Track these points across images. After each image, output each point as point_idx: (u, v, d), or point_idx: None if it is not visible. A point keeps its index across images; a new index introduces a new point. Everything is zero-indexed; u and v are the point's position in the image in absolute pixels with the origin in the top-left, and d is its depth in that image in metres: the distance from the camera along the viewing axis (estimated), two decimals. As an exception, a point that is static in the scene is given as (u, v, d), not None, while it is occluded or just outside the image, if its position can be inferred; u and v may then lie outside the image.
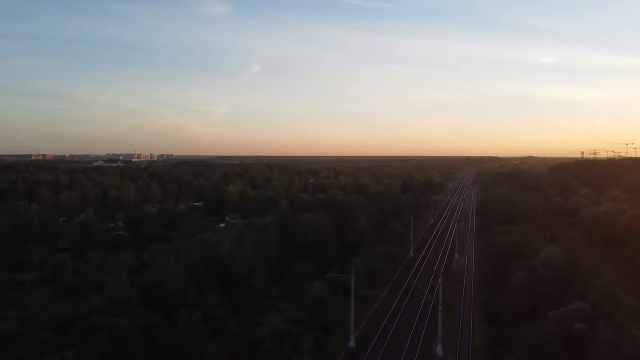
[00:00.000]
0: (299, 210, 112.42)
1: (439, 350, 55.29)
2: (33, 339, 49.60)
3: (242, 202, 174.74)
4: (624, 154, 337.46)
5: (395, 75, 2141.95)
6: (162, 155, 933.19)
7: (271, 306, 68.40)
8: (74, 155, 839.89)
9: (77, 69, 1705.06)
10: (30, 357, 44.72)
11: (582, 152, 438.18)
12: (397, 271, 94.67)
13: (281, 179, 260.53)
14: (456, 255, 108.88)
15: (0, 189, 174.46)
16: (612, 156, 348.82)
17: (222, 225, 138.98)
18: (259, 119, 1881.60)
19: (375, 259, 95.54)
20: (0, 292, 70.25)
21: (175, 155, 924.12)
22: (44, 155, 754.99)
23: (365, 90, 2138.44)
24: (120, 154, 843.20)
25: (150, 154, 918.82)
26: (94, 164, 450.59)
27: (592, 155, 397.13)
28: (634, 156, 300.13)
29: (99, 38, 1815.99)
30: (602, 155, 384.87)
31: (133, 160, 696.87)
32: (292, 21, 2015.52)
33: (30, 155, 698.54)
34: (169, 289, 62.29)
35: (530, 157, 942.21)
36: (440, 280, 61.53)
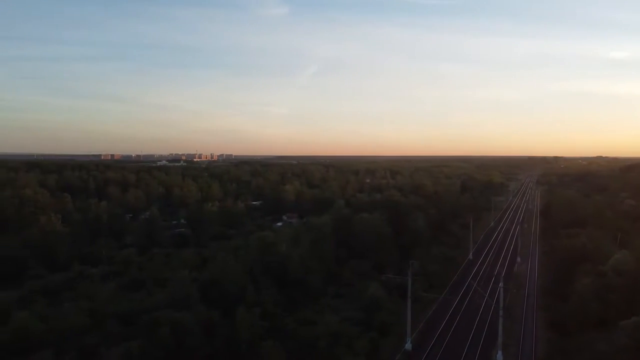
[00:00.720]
0: (355, 211, 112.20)
1: (499, 356, 53.48)
2: (101, 329, 52.33)
3: (299, 202, 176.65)
4: None
5: (454, 73, 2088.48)
6: (222, 155, 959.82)
7: (327, 305, 68.60)
8: (140, 155, 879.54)
9: (143, 73, 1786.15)
10: (99, 347, 47.10)
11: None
12: (456, 274, 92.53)
13: (337, 179, 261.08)
14: (518, 259, 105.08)
15: (73, 187, 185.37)
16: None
17: (280, 224, 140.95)
18: (316, 119, 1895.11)
19: (433, 260, 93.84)
20: (73, 284, 74.74)
21: (235, 155, 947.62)
22: (112, 155, 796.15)
23: (424, 89, 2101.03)
24: (183, 154, 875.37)
25: (211, 154, 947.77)
26: (158, 163, 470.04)
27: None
28: None
29: (164, 43, 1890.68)
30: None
31: (194, 160, 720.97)
32: (350, 21, 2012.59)
33: (100, 155, 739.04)
34: (228, 285, 63.87)
35: (599, 157, 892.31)
36: (501, 284, 59.55)
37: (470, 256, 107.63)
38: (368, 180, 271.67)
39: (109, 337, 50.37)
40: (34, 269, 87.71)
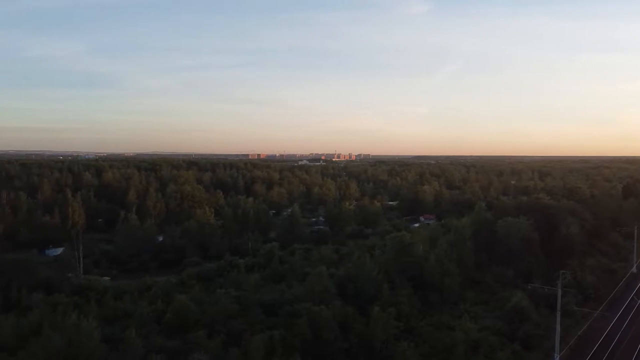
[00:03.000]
0: (498, 214, 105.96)
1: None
2: (247, 316, 56.28)
3: (437, 203, 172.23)
4: None
5: (618, 64, 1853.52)
6: (359, 155, 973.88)
7: (465, 311, 65.76)
8: (283, 155, 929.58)
9: (287, 77, 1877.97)
10: (244, 332, 50.62)
11: None
12: (616, 288, 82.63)
13: (479, 180, 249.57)
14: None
15: (224, 183, 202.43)
16: None
17: (416, 225, 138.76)
18: (457, 118, 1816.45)
19: (588, 271, 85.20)
20: (223, 272, 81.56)
21: (372, 155, 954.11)
22: (258, 155, 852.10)
23: (580, 83, 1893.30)
24: (322, 154, 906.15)
25: (349, 154, 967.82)
26: (300, 162, 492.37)
27: None
28: None
29: (307, 47, 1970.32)
30: None
31: (333, 159, 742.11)
32: (495, 14, 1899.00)
33: (248, 155, 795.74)
34: (363, 283, 64.54)
35: None
36: (673, 303, 51.81)
37: (634, 269, 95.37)
38: (513, 182, 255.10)
39: (253, 324, 53.91)
40: (191, 256, 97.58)
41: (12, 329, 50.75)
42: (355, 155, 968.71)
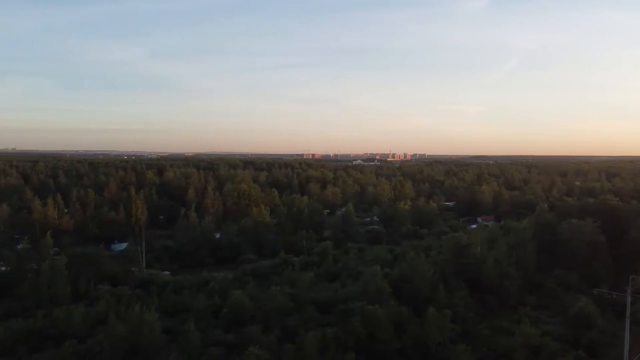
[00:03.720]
0: (561, 215, 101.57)
1: None
2: (301, 313, 56.82)
3: (496, 204, 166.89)
4: None
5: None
6: (415, 155, 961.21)
7: (525, 316, 63.38)
8: (337, 155, 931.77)
9: (340, 76, 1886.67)
10: (298, 329, 51.13)
11: None
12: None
13: (541, 180, 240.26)
14: None
15: (280, 183, 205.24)
16: None
17: (474, 226, 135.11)
18: (516, 117, 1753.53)
19: (661, 278, 79.84)
20: (278, 270, 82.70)
21: (428, 155, 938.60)
22: (313, 155, 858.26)
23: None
24: (377, 154, 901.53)
25: (404, 154, 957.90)
26: (354, 162, 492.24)
27: None
28: None
29: (360, 47, 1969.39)
30: None
31: (388, 159, 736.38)
32: (556, 8, 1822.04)
33: (302, 155, 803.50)
34: (418, 284, 63.59)
35: None
36: None
37: None
38: (578, 183, 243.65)
39: (307, 321, 54.33)
40: (247, 253, 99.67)
41: (82, 318, 53.83)
42: (411, 155, 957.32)
